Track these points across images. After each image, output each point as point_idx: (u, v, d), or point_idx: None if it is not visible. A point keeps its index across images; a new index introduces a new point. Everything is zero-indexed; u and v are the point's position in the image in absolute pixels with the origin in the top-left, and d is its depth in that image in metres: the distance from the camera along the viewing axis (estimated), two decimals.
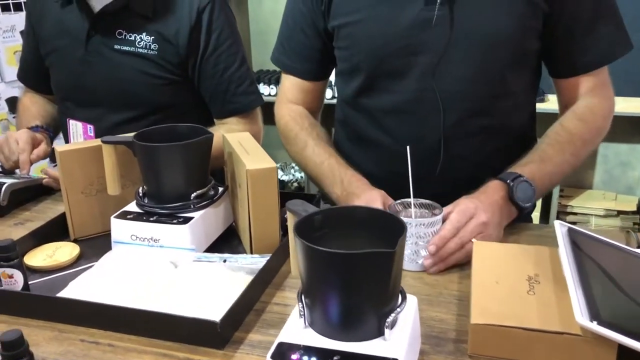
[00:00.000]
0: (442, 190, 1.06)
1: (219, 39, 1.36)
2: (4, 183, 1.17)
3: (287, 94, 1.28)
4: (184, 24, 1.32)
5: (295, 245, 0.74)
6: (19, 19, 2.51)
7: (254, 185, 0.91)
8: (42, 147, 1.33)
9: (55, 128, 1.52)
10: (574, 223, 2.67)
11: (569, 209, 2.65)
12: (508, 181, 0.99)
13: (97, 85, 1.37)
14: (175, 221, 0.95)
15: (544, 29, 1.06)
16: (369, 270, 0.61)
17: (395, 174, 1.07)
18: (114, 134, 1.35)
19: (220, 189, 1.04)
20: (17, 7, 2.68)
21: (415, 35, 1.04)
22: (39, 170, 1.37)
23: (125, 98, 1.36)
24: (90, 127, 1.30)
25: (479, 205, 0.94)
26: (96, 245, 1.04)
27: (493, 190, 1.00)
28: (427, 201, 0.95)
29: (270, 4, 3.06)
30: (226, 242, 1.04)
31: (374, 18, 1.06)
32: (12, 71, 2.49)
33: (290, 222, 0.74)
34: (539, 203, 2.50)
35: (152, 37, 1.32)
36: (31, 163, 1.28)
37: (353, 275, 0.61)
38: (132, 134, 1.02)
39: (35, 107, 1.52)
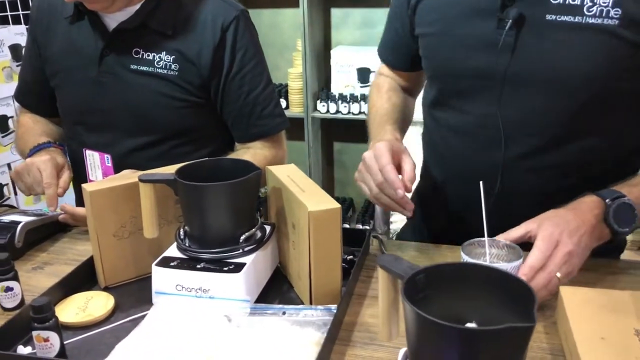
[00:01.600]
0: (492, 224, 0.98)
1: (243, 59, 1.27)
2: (19, 222, 1.06)
3: (383, 71, 1.30)
4: (207, 42, 1.23)
5: (389, 306, 0.66)
6: (7, 33, 2.38)
7: (316, 229, 0.82)
8: (66, 177, 1.20)
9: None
10: None
11: None
12: (607, 200, 0.88)
13: (111, 109, 1.26)
14: (226, 268, 0.85)
15: None
16: (502, 347, 0.52)
17: (454, 191, 1.08)
18: (130, 160, 1.26)
19: (267, 227, 0.95)
20: (4, 21, 2.54)
21: (483, 58, 0.97)
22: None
23: (142, 122, 1.26)
24: (107, 157, 1.19)
25: (564, 230, 0.83)
26: (130, 293, 0.93)
27: (587, 207, 0.88)
28: (501, 240, 0.87)
29: (269, 17, 2.97)
30: (274, 287, 0.94)
31: (448, 33, 1.02)
32: (2, 88, 2.36)
33: (383, 279, 0.65)
34: None
35: (173, 57, 1.22)
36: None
37: (482, 352, 0.52)
38: (169, 167, 0.93)
39: (38, 125, 1.39)
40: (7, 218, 1.09)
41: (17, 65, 2.43)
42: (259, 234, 0.92)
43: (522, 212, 0.99)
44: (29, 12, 2.66)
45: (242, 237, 0.89)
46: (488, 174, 1.01)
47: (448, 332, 0.52)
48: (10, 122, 2.42)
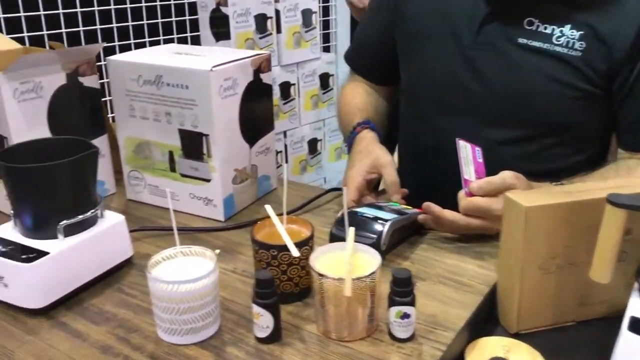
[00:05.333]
0: None
1: None
2: (386, 220, 0.88)
3: None
4: (629, 19, 0.92)
5: None
6: None
7: None
8: (389, 177, 1.01)
9: (381, 126, 1.21)
10: None
11: None
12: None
13: (480, 89, 1.03)
14: None
15: None
16: None
17: None
18: (490, 156, 1.02)
19: None
20: None
21: None
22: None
23: (518, 111, 1.01)
24: (478, 150, 0.96)
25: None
26: (550, 348, 0.69)
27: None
28: None
29: None
30: None
31: None
32: (289, 54, 2.31)
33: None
34: None
35: (580, 33, 0.94)
36: None
37: None
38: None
39: (358, 99, 1.23)
40: (367, 212, 0.91)
41: (307, 31, 2.37)
42: None
43: None
44: None
45: None
46: None
47: None
48: (292, 89, 2.38)
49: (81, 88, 1.02)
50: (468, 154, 0.95)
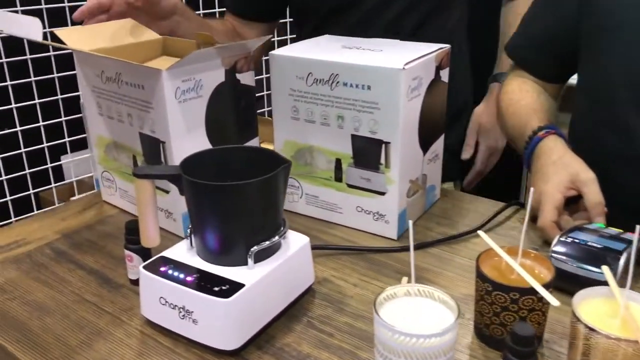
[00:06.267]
0: None
1: None
2: (620, 252, 0.74)
3: None
4: None
5: None
6: None
7: None
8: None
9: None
10: None
11: None
12: None
13: None
14: None
15: None
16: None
17: None
18: None
19: None
20: None
21: None
22: None
23: None
24: None
25: None
26: None
27: None
28: None
29: None
30: None
31: None
32: None
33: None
34: None
35: None
36: None
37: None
38: None
39: (529, 98, 1.06)
40: (587, 239, 0.77)
41: None
42: None
43: None
44: None
45: None
46: None
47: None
48: None
49: (237, 86, 0.91)
50: None
